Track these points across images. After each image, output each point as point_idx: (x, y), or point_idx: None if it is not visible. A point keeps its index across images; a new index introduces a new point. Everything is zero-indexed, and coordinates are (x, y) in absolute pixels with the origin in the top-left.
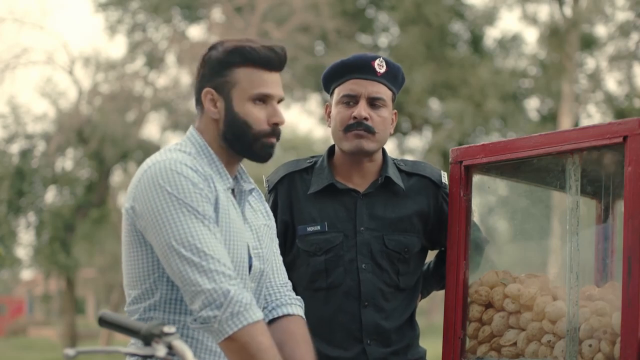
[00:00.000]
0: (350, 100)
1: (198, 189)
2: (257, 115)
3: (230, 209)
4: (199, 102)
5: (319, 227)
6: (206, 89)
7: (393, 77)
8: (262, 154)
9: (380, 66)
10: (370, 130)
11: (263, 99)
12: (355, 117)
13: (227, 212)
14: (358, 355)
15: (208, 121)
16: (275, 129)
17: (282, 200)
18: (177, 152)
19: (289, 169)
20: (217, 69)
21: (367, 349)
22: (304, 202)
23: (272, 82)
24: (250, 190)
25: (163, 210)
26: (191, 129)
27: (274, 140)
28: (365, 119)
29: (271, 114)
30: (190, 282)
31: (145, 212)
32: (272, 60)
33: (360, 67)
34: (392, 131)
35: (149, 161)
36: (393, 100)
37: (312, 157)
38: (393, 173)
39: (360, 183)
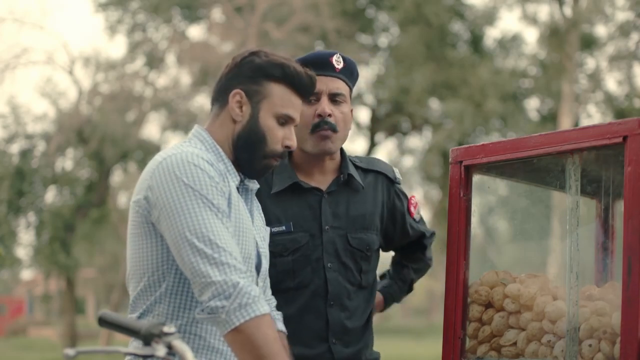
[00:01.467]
0: (312, 97)
1: (214, 182)
2: (276, 134)
3: (240, 206)
4: (220, 98)
5: (284, 228)
6: (237, 90)
7: (350, 73)
8: (261, 172)
9: (338, 62)
10: (334, 129)
11: (285, 121)
12: (320, 115)
13: (238, 209)
14: (324, 353)
15: (226, 119)
16: (284, 152)
17: None
18: (190, 147)
19: None
20: (254, 75)
21: (332, 348)
22: (267, 202)
23: (298, 106)
24: (254, 190)
25: (179, 201)
26: (197, 127)
27: (276, 162)
28: (330, 115)
29: (287, 136)
30: (201, 273)
31: (159, 203)
32: (308, 89)
33: (319, 64)
34: (350, 127)
35: (162, 154)
36: (350, 97)
37: None
38: (352, 170)
39: (322, 181)
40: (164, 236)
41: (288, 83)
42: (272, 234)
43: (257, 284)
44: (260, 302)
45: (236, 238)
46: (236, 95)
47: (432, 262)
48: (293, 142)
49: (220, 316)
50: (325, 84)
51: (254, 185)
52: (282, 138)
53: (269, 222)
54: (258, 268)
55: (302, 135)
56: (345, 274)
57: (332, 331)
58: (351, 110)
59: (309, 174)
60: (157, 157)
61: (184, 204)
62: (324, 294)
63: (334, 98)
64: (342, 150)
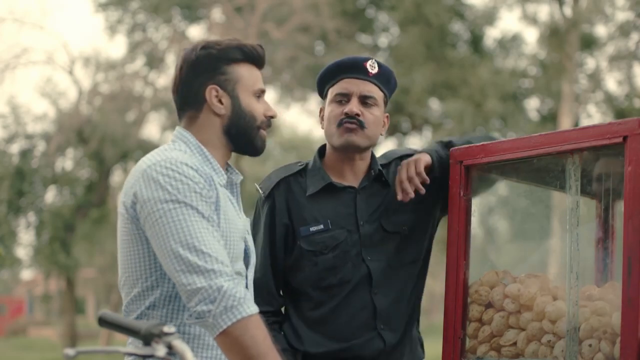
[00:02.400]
0: (343, 98)
1: (198, 188)
2: (258, 109)
3: (228, 206)
4: (192, 101)
5: (322, 226)
6: (211, 86)
7: (385, 80)
8: (261, 146)
9: (372, 67)
10: (361, 125)
11: (260, 94)
12: (346, 113)
13: (227, 210)
14: (373, 339)
15: (207, 118)
16: (269, 121)
17: (280, 204)
18: (175, 152)
19: (281, 175)
20: (217, 65)
21: (382, 334)
22: (303, 203)
23: (261, 77)
24: (239, 182)
25: (163, 210)
26: (179, 129)
27: (266, 132)
28: (357, 114)
29: (267, 108)
30: (187, 281)
31: (145, 211)
32: (263, 59)
33: (353, 67)
34: (383, 133)
35: (147, 161)
36: (385, 103)
37: (300, 162)
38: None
39: (354, 180)
40: (152, 243)
41: (249, 60)
42: (310, 233)
43: (247, 277)
44: (247, 303)
45: (225, 241)
46: (212, 91)
47: None
48: (273, 112)
49: (207, 320)
50: (357, 85)
51: (238, 177)
52: (263, 111)
53: (306, 223)
54: (247, 262)
55: (330, 131)
56: (387, 260)
57: (380, 318)
58: (387, 117)
59: (341, 175)
60: (142, 164)
61: (167, 213)
62: (368, 284)
63: (364, 100)
64: (372, 153)
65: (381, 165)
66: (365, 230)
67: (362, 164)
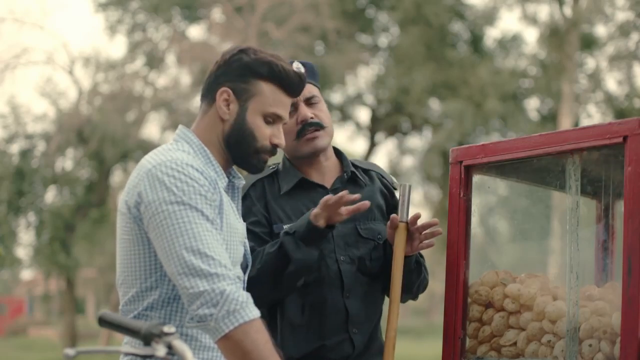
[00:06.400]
0: (290, 109)
1: (204, 191)
2: (263, 132)
3: (229, 210)
4: (209, 96)
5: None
6: (224, 88)
7: (312, 74)
8: (257, 166)
9: (299, 69)
10: (320, 126)
11: (273, 119)
12: (302, 121)
13: (228, 214)
14: (343, 342)
15: (213, 118)
16: (274, 149)
17: (258, 202)
18: (179, 152)
19: (257, 176)
20: (242, 73)
21: (353, 337)
22: (278, 202)
23: (286, 105)
24: (240, 186)
25: (167, 211)
26: (183, 128)
27: (269, 157)
28: (312, 117)
29: (275, 134)
30: (189, 284)
31: (149, 212)
32: (296, 88)
33: None
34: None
35: (151, 160)
36: (321, 95)
37: (272, 165)
38: (353, 169)
39: (322, 181)
40: (153, 245)
41: (276, 81)
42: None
43: (244, 281)
44: (249, 307)
45: (226, 245)
46: (223, 94)
47: (427, 279)
48: (281, 141)
49: (209, 324)
50: None
51: (240, 182)
52: (269, 136)
53: (279, 221)
54: (244, 266)
55: (290, 145)
56: (358, 264)
57: (352, 321)
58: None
59: (309, 177)
60: (146, 163)
61: (172, 214)
62: (340, 286)
63: (309, 102)
64: (338, 151)
65: (358, 167)
66: (339, 230)
67: (328, 164)
